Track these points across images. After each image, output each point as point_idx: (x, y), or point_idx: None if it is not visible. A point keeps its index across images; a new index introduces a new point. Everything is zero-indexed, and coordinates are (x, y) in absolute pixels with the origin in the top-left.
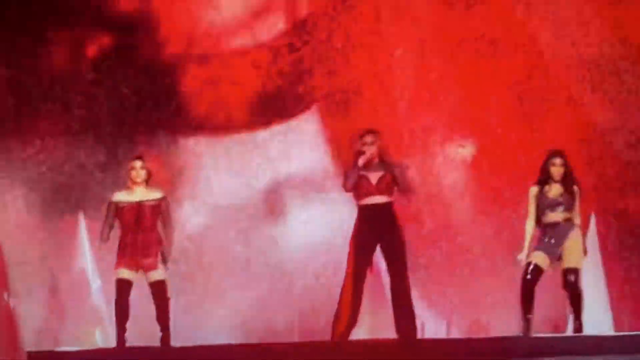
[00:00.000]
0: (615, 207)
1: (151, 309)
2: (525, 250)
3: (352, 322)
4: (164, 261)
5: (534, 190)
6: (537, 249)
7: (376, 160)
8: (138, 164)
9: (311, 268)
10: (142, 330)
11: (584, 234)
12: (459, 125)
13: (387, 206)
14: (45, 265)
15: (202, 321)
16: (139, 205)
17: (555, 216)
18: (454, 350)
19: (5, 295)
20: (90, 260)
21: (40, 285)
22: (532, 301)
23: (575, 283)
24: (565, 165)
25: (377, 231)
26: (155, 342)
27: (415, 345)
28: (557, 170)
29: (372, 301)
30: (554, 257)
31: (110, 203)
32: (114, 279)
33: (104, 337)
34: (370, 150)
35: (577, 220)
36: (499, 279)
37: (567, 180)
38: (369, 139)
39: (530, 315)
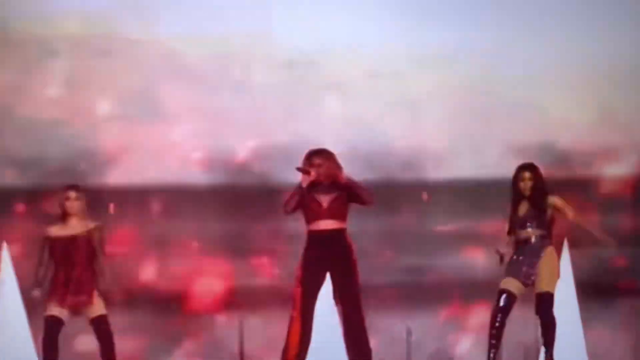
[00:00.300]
0: None
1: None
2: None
3: (302, 357)
4: (106, 298)
5: (509, 204)
6: (507, 273)
7: (327, 181)
8: (72, 194)
9: None
10: None
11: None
12: None
13: (339, 232)
14: None
15: None
16: (73, 238)
17: (525, 233)
18: None
19: None
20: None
21: None
22: (500, 337)
23: (545, 309)
24: (536, 179)
25: (327, 259)
26: None
27: None
28: (525, 185)
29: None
30: (527, 280)
31: (45, 239)
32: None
33: None
34: (318, 171)
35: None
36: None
37: (538, 194)
38: (316, 160)
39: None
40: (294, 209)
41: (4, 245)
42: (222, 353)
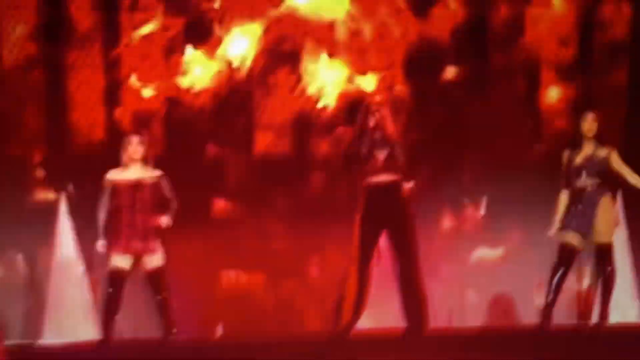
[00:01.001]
0: None
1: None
2: (556, 224)
3: (359, 311)
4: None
5: (565, 153)
6: (566, 226)
7: (379, 133)
8: (135, 139)
9: None
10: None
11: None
12: None
13: (396, 185)
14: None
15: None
16: (137, 183)
17: (581, 182)
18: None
19: None
20: (72, 245)
21: (18, 273)
22: (559, 289)
23: (604, 262)
24: (598, 124)
25: (384, 212)
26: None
27: (427, 334)
28: (587, 125)
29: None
30: (587, 231)
31: (106, 182)
32: (101, 265)
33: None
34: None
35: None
36: None
37: (598, 141)
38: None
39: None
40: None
41: (63, 195)
42: None
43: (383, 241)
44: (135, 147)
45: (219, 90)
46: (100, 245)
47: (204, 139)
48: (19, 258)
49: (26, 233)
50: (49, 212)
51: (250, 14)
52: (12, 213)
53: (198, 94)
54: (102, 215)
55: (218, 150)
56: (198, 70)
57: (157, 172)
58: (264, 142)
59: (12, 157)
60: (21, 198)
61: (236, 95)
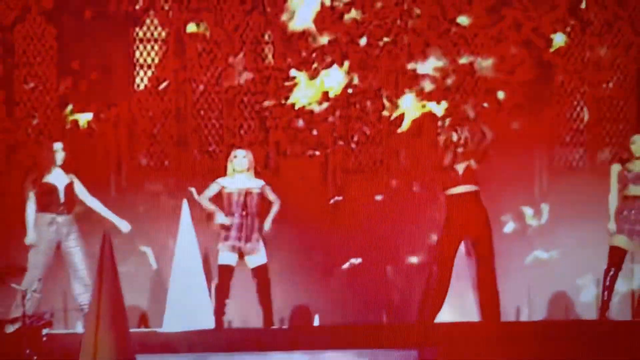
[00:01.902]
0: None
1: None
2: (612, 219)
3: (439, 305)
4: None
5: (616, 167)
6: (619, 231)
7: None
8: (240, 153)
9: None
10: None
11: None
12: None
13: (475, 195)
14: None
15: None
16: (245, 192)
17: (636, 190)
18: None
19: None
20: (193, 241)
21: (143, 268)
22: (612, 288)
23: None
24: None
25: (466, 220)
26: (252, 324)
27: (500, 327)
28: (636, 148)
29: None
30: (638, 235)
31: (214, 184)
32: (214, 261)
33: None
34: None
35: None
36: None
37: None
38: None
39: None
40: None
41: (185, 202)
42: None
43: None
44: (240, 160)
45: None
46: (220, 245)
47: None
48: (148, 252)
49: (153, 230)
50: (175, 212)
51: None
52: (143, 212)
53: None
54: (218, 219)
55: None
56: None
57: (261, 182)
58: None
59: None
60: (150, 200)
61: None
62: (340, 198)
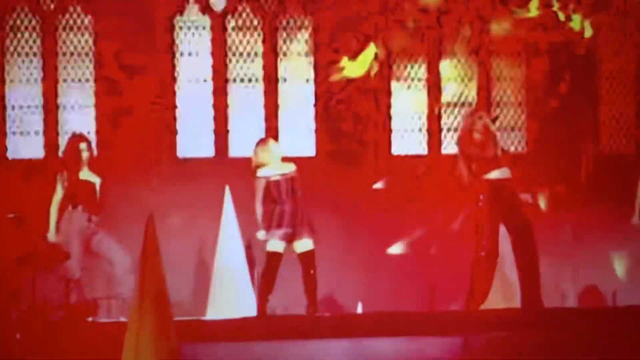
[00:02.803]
0: None
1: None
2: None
3: (485, 296)
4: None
5: None
6: None
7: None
8: (271, 141)
9: None
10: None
11: None
12: None
13: (507, 182)
14: (190, 239)
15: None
16: (283, 178)
17: None
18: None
19: None
20: (236, 231)
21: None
22: None
23: None
24: None
25: (502, 205)
26: (294, 311)
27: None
28: None
29: None
30: None
31: (259, 179)
32: (257, 249)
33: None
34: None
35: None
36: None
37: None
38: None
39: None
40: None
41: (227, 187)
42: None
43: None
44: (276, 147)
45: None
46: (261, 234)
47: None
48: (192, 241)
49: (198, 219)
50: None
51: None
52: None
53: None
54: (259, 209)
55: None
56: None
57: (293, 165)
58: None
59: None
60: (195, 188)
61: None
62: (381, 185)
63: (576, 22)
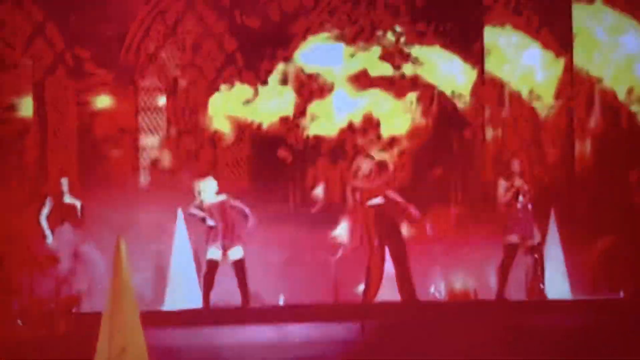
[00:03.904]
0: None
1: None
2: None
3: (376, 292)
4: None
5: None
6: None
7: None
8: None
9: None
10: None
11: None
12: None
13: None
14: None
15: None
16: (223, 203)
17: None
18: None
19: None
20: (187, 243)
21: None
22: None
23: None
24: None
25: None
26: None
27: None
28: None
29: None
30: None
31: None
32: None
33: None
34: None
35: None
36: None
37: None
38: None
39: None
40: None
41: (179, 211)
42: None
43: None
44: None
45: None
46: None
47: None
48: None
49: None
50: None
51: None
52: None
53: None
54: (207, 225)
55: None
56: None
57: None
58: None
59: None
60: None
61: None
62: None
63: None
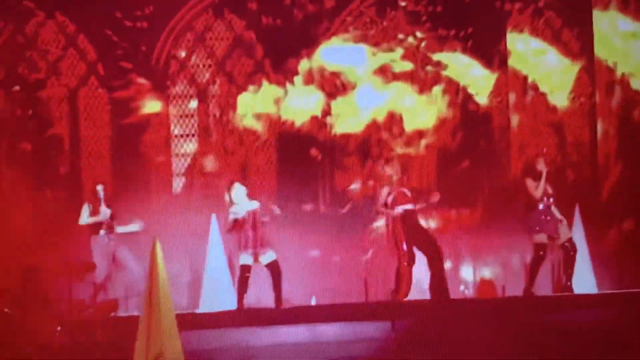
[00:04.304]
0: None
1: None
2: None
3: (407, 292)
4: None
5: None
6: None
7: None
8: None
9: None
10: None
11: None
12: None
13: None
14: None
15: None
16: (250, 213)
17: None
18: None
19: None
20: (221, 248)
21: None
22: None
23: None
24: None
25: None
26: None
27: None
28: None
29: None
30: None
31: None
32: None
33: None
34: None
35: None
36: None
37: None
38: None
39: None
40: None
41: (213, 216)
42: None
43: None
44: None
45: None
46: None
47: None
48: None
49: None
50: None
51: None
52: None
53: None
54: (233, 234)
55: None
56: None
57: (256, 203)
58: None
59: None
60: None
61: None
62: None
63: None
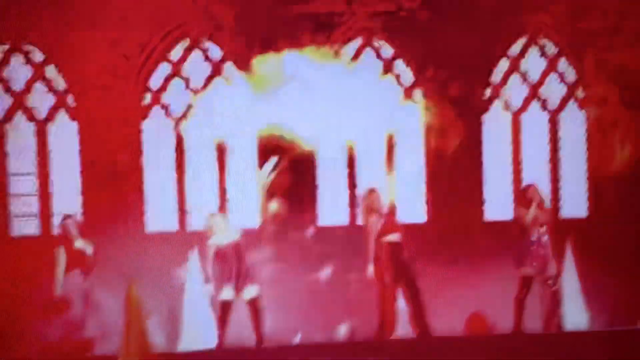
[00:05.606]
0: None
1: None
2: None
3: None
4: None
5: None
6: None
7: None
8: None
9: None
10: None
11: None
12: None
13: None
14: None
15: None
16: (236, 244)
17: None
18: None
19: None
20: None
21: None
22: None
23: None
24: None
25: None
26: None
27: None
28: None
29: None
30: None
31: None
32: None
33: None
34: None
35: None
36: None
37: None
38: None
39: None
40: None
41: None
42: None
43: None
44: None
45: None
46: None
47: None
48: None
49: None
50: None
51: None
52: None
53: None
54: (207, 269)
55: None
56: None
57: (239, 234)
58: None
59: None
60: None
61: None
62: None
63: None
